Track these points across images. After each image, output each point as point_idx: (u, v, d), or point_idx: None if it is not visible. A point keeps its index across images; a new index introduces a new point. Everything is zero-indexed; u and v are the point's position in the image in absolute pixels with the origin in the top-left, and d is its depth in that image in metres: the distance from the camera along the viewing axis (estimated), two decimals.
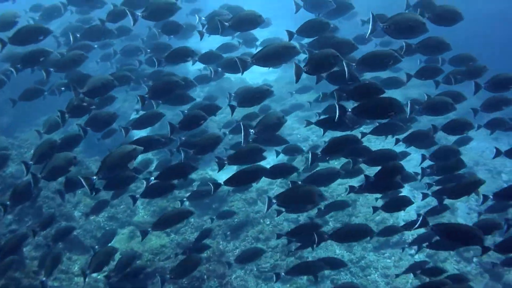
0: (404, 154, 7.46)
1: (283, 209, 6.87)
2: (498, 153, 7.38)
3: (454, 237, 5.51)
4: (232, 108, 6.96)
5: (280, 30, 8.42)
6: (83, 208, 10.78)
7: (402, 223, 10.69)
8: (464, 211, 11.87)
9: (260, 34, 10.26)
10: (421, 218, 5.85)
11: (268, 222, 10.77)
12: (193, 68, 13.71)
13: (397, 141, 7.33)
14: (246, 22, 6.98)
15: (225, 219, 10.19)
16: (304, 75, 5.89)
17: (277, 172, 6.69)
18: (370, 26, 5.96)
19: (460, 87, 7.21)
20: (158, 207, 10.98)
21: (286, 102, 15.63)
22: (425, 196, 7.29)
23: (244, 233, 10.52)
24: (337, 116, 5.78)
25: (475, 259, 10.18)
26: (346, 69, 5.79)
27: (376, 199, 8.09)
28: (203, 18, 8.30)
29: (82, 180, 5.51)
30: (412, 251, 10.34)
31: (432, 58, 7.60)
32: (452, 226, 5.99)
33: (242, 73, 6.25)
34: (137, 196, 6.64)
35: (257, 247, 9.42)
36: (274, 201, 5.82)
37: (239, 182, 6.36)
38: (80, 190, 10.67)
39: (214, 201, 11.27)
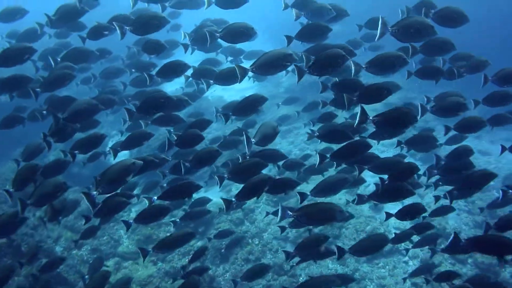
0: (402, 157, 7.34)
1: (287, 226, 6.75)
2: (503, 149, 7.28)
3: (490, 249, 5.36)
4: (226, 117, 6.84)
5: (257, 43, 8.24)
6: (64, 242, 10.40)
7: (393, 231, 10.53)
8: (453, 213, 11.72)
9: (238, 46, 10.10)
10: (452, 236, 5.63)
11: (257, 242, 10.49)
12: (171, 89, 13.44)
13: (399, 143, 7.21)
14: (238, 34, 6.82)
15: (222, 239, 9.74)
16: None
17: (279, 187, 6.42)
18: (379, 30, 5.99)
19: (462, 84, 7.10)
20: (142, 236, 10.61)
21: (271, 115, 15.43)
22: (437, 198, 7.13)
23: (233, 255, 10.19)
24: (357, 122, 5.68)
25: (470, 260, 10.04)
26: (353, 69, 5.92)
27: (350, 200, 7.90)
28: (187, 34, 8.13)
29: (83, 196, 5.34)
30: (406, 258, 10.17)
31: (428, 58, 7.52)
32: (486, 238, 5.59)
33: (240, 81, 6.19)
34: (130, 221, 6.36)
35: (263, 263, 9.03)
36: (290, 213, 5.51)
37: (250, 194, 6.06)
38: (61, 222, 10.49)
39: (200, 225, 10.97)
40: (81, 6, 7.38)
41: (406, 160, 6.74)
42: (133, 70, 8.96)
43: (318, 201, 6.62)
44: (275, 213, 7.27)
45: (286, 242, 10.61)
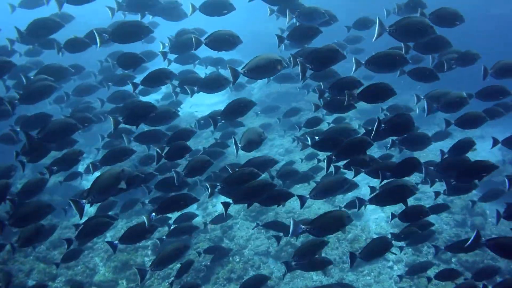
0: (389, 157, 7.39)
1: (281, 234, 6.72)
2: (495, 142, 7.19)
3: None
4: (214, 121, 6.67)
5: (223, 54, 8.03)
6: (37, 275, 9.92)
7: (375, 236, 10.39)
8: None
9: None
10: (474, 234, 5.54)
11: (238, 260, 10.20)
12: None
13: (393, 143, 7.10)
14: (224, 41, 6.63)
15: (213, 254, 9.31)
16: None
17: (273, 198, 6.27)
18: (376, 30, 6.08)
19: (446, 83, 7.07)
20: (119, 262, 10.17)
21: (251, 124, 15.17)
22: (437, 194, 7.30)
23: (214, 275, 9.86)
24: (374, 129, 5.88)
25: (454, 260, 9.97)
26: (354, 66, 6.00)
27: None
28: (167, 45, 7.88)
29: (71, 204, 5.22)
30: (390, 263, 10.03)
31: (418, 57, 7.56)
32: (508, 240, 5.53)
33: (233, 84, 6.09)
34: (116, 242, 6.18)
35: (262, 274, 8.69)
36: (303, 227, 5.46)
37: (248, 197, 6.00)
38: (33, 254, 10.06)
39: None
40: (57, 20, 7.09)
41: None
42: (110, 84, 8.61)
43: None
44: (277, 238, 7.09)
45: (268, 257, 10.36)
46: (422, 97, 7.22)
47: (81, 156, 6.79)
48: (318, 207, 11.52)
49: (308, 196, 6.23)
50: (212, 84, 6.98)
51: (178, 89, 7.87)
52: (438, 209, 7.16)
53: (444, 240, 10.40)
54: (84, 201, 5.25)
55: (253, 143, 6.35)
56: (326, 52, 5.92)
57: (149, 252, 10.38)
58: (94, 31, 6.71)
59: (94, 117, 7.72)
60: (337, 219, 5.49)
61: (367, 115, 11.79)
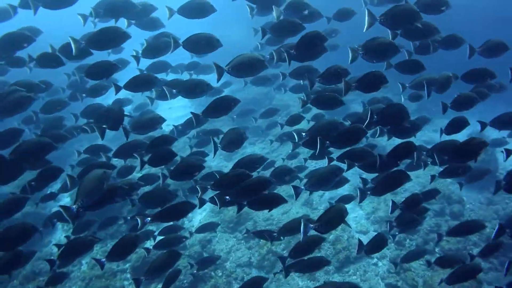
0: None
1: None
2: (483, 125, 7.07)
3: None
4: (197, 118, 6.51)
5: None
6: None
7: (356, 236, 10.29)
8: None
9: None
10: (497, 226, 5.62)
11: (220, 274, 9.92)
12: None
13: (381, 132, 7.09)
14: (202, 44, 6.48)
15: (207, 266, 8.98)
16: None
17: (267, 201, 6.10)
18: (366, 20, 6.08)
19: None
20: None
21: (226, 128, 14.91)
22: (433, 177, 7.22)
23: None
24: (368, 121, 5.93)
25: (437, 249, 9.92)
26: (351, 55, 5.94)
27: None
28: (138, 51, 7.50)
29: (61, 210, 4.99)
30: (375, 260, 9.93)
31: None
32: None
33: (218, 81, 6.06)
34: (103, 259, 5.92)
35: (260, 276, 8.39)
36: (312, 225, 5.42)
37: (245, 195, 5.88)
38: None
39: None
40: (27, 33, 6.71)
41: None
42: (84, 95, 8.22)
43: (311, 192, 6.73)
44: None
45: (251, 267, 10.12)
46: (407, 85, 7.27)
47: (62, 172, 6.50)
48: (296, 211, 11.37)
49: (303, 187, 6.14)
50: (194, 89, 6.73)
51: (153, 95, 7.68)
52: (430, 195, 7.16)
53: (425, 231, 10.37)
54: (74, 206, 5.04)
55: (234, 143, 6.34)
56: (310, 37, 6.04)
57: (128, 276, 10.01)
58: (70, 38, 6.34)
59: (67, 133, 7.35)
60: (338, 214, 5.53)
61: (334, 113, 11.64)
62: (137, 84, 6.89)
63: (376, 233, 6.66)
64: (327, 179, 6.26)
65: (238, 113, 11.50)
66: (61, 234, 11.77)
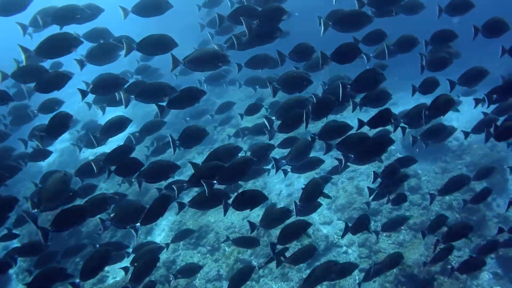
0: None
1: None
2: (477, 102, 6.74)
3: None
4: (161, 109, 5.99)
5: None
6: None
7: (321, 228, 10.13)
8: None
9: None
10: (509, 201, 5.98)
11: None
12: None
13: (355, 105, 6.75)
14: (158, 45, 6.04)
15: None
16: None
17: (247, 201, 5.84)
18: (357, 6, 6.24)
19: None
20: None
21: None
22: (414, 139, 6.79)
23: None
24: (341, 92, 5.89)
25: (402, 227, 9.87)
26: (322, 28, 5.97)
27: None
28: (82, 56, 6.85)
29: (25, 216, 5.09)
30: (344, 248, 9.81)
31: None
32: None
33: (172, 70, 5.88)
34: (77, 281, 5.47)
35: (248, 265, 7.93)
36: (284, 161, 5.79)
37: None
38: None
39: None
40: None
41: None
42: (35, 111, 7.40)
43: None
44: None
45: (221, 280, 9.73)
46: (371, 55, 6.98)
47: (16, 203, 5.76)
48: (257, 214, 11.10)
49: (284, 161, 6.01)
50: (155, 93, 5.97)
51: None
52: (407, 163, 7.07)
53: (388, 210, 10.35)
54: (35, 210, 5.06)
55: (192, 138, 6.18)
56: (270, 10, 5.95)
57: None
58: (18, 45, 5.83)
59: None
60: (314, 187, 5.76)
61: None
62: (107, 86, 6.37)
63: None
64: (305, 151, 6.11)
65: (190, 116, 11.01)
66: (16, 284, 11.01)
